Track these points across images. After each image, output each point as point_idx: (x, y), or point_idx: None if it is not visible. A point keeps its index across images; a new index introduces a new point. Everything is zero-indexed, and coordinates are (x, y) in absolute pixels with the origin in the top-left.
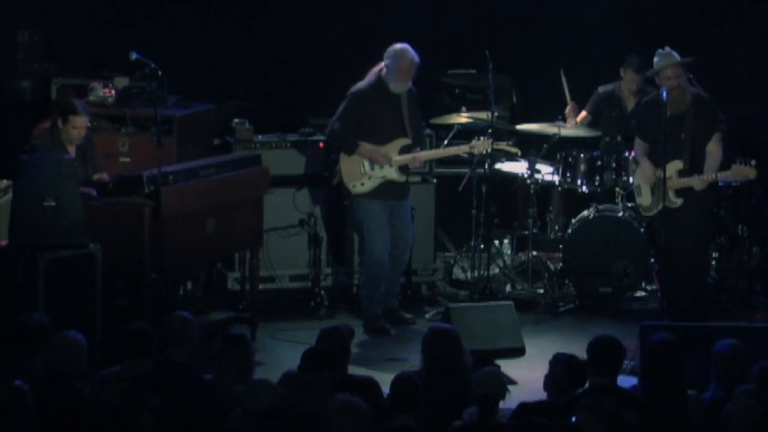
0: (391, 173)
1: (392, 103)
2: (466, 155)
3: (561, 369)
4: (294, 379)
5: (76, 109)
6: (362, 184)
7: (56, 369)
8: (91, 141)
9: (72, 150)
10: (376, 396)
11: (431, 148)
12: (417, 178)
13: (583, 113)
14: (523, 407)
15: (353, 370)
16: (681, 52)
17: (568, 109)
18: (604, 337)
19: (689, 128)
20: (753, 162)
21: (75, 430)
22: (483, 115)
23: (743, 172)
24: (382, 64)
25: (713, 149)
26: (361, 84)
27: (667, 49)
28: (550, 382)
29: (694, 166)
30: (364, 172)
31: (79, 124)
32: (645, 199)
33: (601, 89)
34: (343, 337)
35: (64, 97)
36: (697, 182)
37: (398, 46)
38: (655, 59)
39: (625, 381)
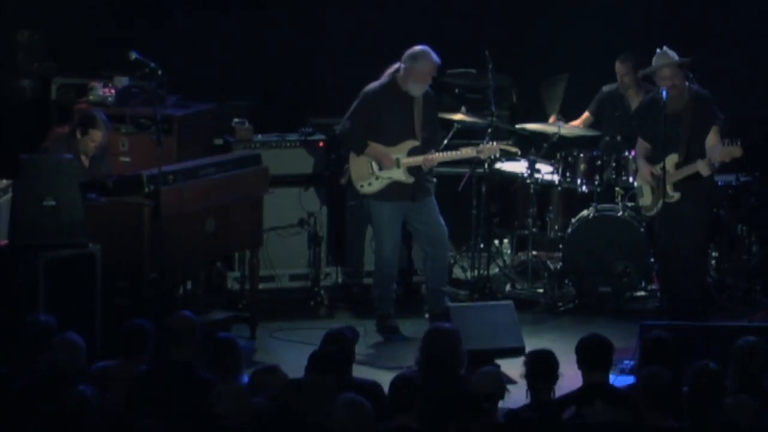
0: (398, 174)
1: (404, 105)
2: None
3: (530, 368)
4: (300, 383)
5: (98, 123)
6: (369, 185)
7: (57, 371)
8: (105, 153)
9: (86, 161)
10: (380, 399)
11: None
12: None
13: (585, 114)
14: (512, 415)
15: (358, 369)
16: (681, 52)
17: (551, 120)
18: (591, 336)
19: (687, 124)
20: (739, 142)
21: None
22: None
23: (731, 152)
24: (397, 65)
25: (713, 142)
26: (374, 84)
27: (665, 48)
28: (527, 381)
29: (691, 159)
30: (372, 172)
31: (98, 138)
32: (646, 199)
33: (605, 88)
34: (348, 340)
35: (88, 109)
36: (702, 167)
37: (420, 48)
38: (654, 59)
39: (626, 381)
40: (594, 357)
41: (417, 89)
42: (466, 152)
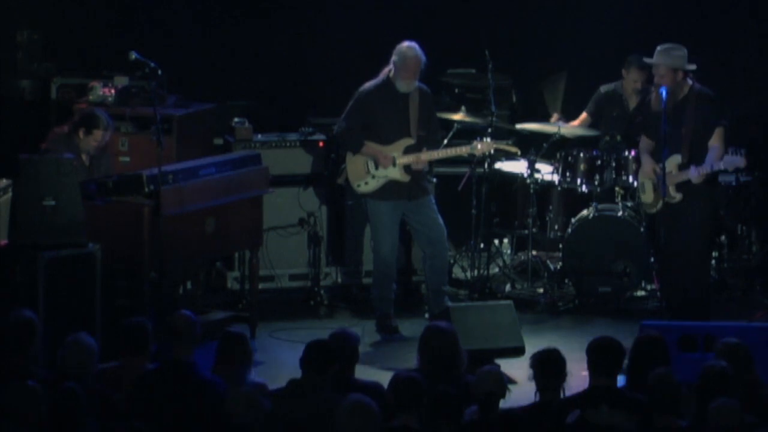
0: (395, 173)
1: (399, 103)
2: (467, 155)
3: (537, 368)
4: (299, 383)
5: (102, 123)
6: (366, 184)
7: (65, 371)
8: (104, 151)
9: (86, 159)
10: (382, 401)
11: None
12: None
13: (583, 115)
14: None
15: (358, 369)
16: None
17: (554, 118)
18: (603, 338)
19: (690, 124)
20: (743, 151)
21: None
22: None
23: (734, 161)
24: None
25: (715, 144)
26: (369, 83)
27: (667, 45)
28: (535, 382)
29: (694, 161)
30: (368, 171)
31: (102, 138)
32: (648, 195)
33: (602, 88)
34: (352, 339)
35: (89, 108)
36: (693, 174)
37: (405, 44)
38: (655, 53)
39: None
40: (603, 360)
41: (403, 85)
42: (460, 150)
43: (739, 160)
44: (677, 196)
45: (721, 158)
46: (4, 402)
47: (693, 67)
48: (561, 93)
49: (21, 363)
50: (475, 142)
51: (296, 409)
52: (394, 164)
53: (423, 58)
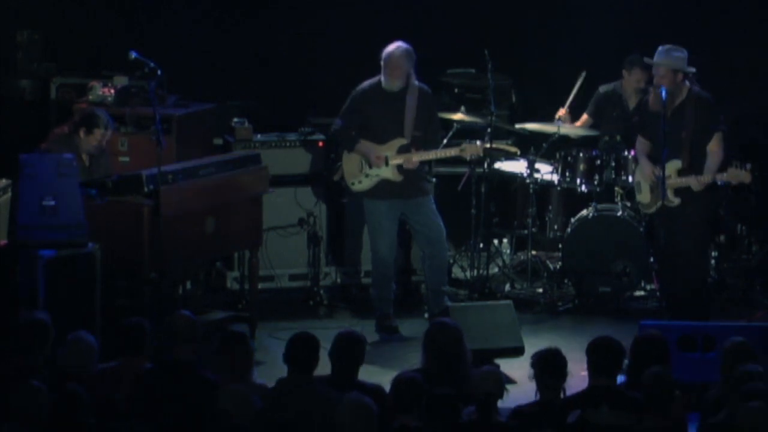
0: (387, 172)
1: (393, 103)
2: (463, 156)
3: (538, 367)
4: (285, 381)
5: (102, 123)
6: (360, 182)
7: (65, 369)
8: (104, 151)
9: (86, 159)
10: (383, 403)
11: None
12: None
13: (584, 117)
14: (518, 412)
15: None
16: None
17: (560, 112)
18: (603, 338)
19: (689, 127)
20: (748, 166)
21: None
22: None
23: (739, 175)
24: None
25: (714, 149)
26: (365, 83)
27: (668, 46)
28: (536, 381)
29: (693, 166)
30: (362, 170)
31: (102, 138)
32: (644, 196)
33: (602, 88)
34: (357, 341)
35: (89, 108)
36: (694, 183)
37: (393, 43)
38: (656, 54)
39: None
40: (603, 360)
41: (388, 83)
42: (449, 152)
43: (743, 175)
44: (676, 201)
45: (719, 164)
46: (11, 402)
47: (693, 70)
48: (574, 90)
49: (31, 364)
50: (464, 144)
51: (284, 407)
52: (386, 164)
53: (401, 56)
